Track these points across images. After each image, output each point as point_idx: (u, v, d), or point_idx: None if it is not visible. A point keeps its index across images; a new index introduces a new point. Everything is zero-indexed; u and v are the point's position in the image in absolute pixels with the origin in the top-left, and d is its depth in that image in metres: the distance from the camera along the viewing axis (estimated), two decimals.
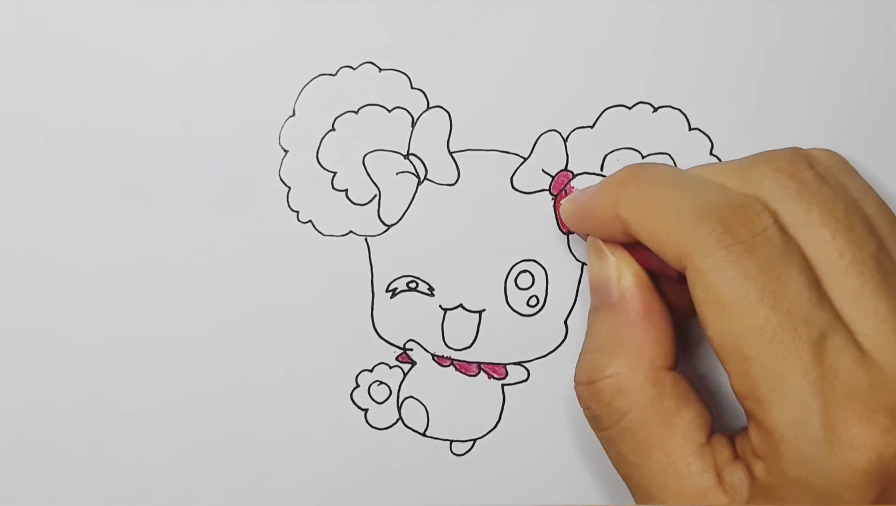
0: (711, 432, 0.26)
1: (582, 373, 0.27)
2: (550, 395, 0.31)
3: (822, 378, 0.23)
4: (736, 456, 0.25)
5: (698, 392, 0.27)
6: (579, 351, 0.29)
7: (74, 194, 0.30)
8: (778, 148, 0.27)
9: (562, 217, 0.30)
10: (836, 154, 0.27)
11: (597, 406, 0.27)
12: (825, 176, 0.25)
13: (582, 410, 0.28)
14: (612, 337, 0.27)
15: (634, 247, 0.27)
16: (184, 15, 0.29)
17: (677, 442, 0.25)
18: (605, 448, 0.27)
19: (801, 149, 0.26)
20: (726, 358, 0.24)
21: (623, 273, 0.27)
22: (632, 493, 0.27)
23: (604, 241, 0.28)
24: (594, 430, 0.27)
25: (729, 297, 0.23)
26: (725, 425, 0.30)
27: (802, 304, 0.23)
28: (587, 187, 0.29)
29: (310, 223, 0.30)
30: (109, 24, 0.29)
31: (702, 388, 0.30)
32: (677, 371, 0.27)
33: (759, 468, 0.24)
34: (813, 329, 0.23)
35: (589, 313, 0.28)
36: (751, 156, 0.27)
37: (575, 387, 0.28)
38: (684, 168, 0.28)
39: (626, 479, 0.27)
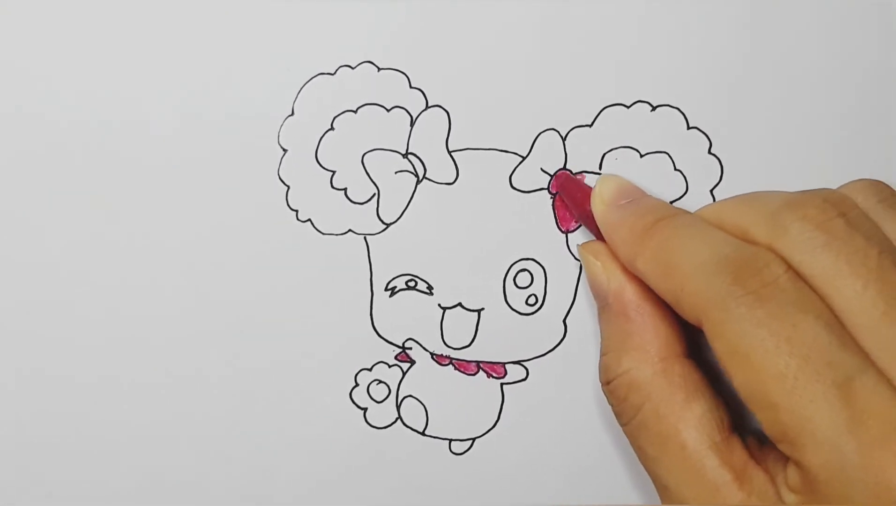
0: (730, 428, 0.26)
1: (601, 374, 0.28)
2: (549, 394, 0.31)
3: (853, 419, 0.22)
4: (758, 459, 0.25)
5: (713, 387, 0.27)
6: (578, 350, 0.30)
7: (73, 193, 0.30)
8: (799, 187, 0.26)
9: (592, 205, 0.29)
10: (880, 185, 0.26)
11: (616, 403, 0.27)
12: (857, 222, 0.25)
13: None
14: (617, 336, 0.28)
15: None
16: (182, 15, 0.29)
17: (691, 435, 0.26)
18: (630, 444, 0.28)
19: (833, 192, 0.26)
20: (755, 407, 0.24)
21: (611, 274, 0.28)
22: (654, 484, 0.27)
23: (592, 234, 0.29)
24: (620, 427, 0.28)
25: (746, 347, 0.23)
26: (744, 422, 0.30)
27: (822, 348, 0.23)
28: (625, 201, 0.28)
29: (309, 222, 0.30)
30: (107, 24, 0.29)
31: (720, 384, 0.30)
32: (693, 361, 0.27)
33: (791, 499, 0.24)
34: (837, 372, 0.23)
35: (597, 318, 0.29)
36: (782, 196, 0.26)
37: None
38: (706, 199, 0.29)
39: (648, 472, 0.27)
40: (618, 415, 0.28)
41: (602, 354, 0.28)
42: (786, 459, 0.24)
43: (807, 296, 0.24)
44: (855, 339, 0.24)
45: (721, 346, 0.24)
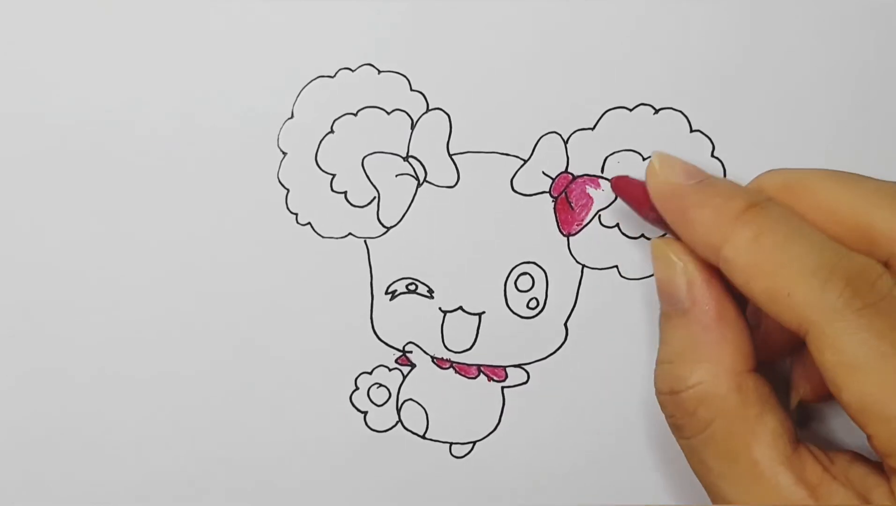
0: (796, 441, 0.26)
1: (663, 383, 0.27)
2: (550, 397, 0.31)
3: None
4: (834, 473, 0.25)
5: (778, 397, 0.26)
6: (579, 353, 0.29)
7: (73, 196, 0.30)
8: None
9: (648, 181, 0.27)
10: None
11: (680, 416, 0.26)
12: None
13: (665, 416, 0.27)
14: (690, 345, 0.26)
15: None
16: (182, 17, 0.29)
17: (764, 452, 0.25)
18: (686, 456, 0.27)
19: None
20: (867, 420, 0.23)
21: (693, 278, 0.26)
22: (712, 500, 0.26)
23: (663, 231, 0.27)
24: (676, 438, 0.27)
25: (864, 359, 0.23)
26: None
27: None
28: (695, 180, 0.27)
29: (309, 225, 0.30)
30: (107, 26, 0.29)
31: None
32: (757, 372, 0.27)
33: None
34: None
35: (660, 320, 0.28)
36: None
37: (657, 396, 0.27)
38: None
39: (708, 486, 0.26)
40: (678, 428, 0.26)
41: (666, 362, 0.27)
42: (883, 473, 0.24)
43: None
44: None
45: (833, 357, 0.23)
